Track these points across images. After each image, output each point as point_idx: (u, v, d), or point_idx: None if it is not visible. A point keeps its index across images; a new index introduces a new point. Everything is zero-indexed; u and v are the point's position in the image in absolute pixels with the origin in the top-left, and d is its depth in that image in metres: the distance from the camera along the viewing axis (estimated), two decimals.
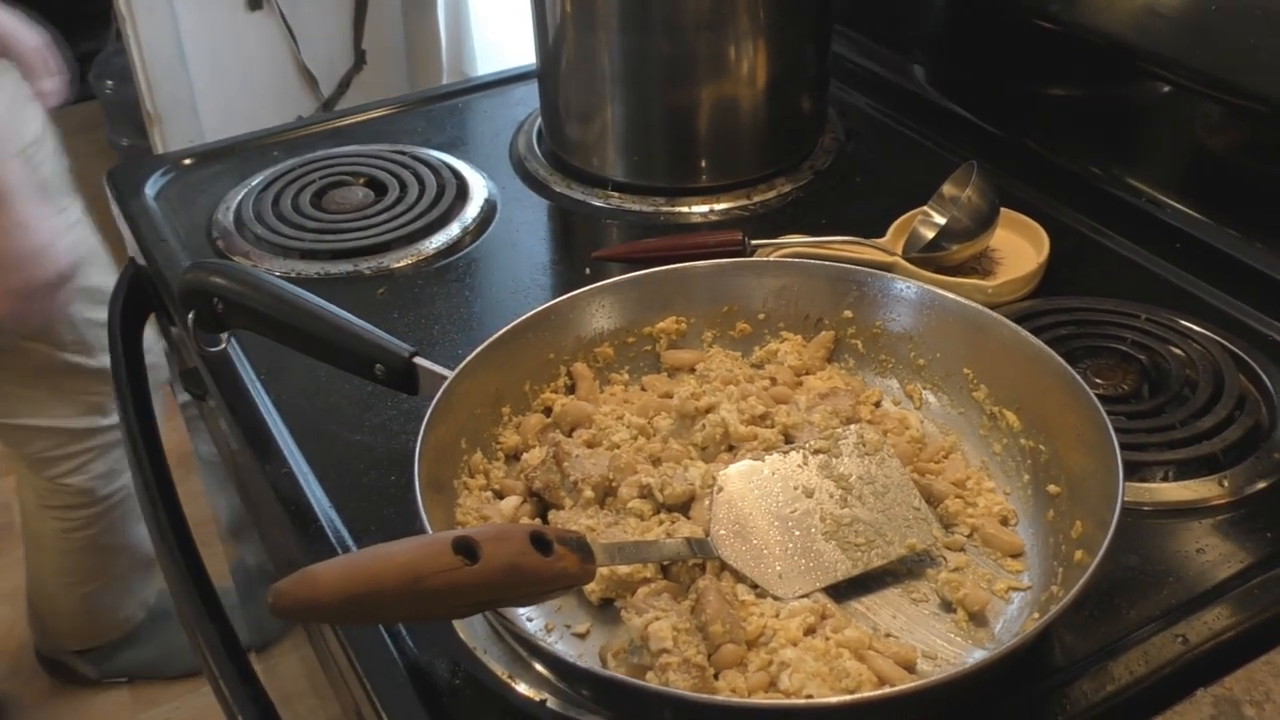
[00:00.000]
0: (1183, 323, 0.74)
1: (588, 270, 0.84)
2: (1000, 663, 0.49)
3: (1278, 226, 0.79)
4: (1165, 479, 0.64)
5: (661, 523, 0.59)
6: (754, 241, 0.80)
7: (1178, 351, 0.71)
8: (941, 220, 0.81)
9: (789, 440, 0.63)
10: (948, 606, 0.56)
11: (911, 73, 1.05)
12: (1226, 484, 0.63)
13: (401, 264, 0.86)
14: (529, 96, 1.03)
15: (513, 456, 0.65)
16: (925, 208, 0.83)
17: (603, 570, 0.54)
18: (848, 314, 0.69)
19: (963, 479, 0.62)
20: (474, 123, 1.06)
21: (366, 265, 0.85)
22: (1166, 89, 0.83)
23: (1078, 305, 0.76)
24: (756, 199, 0.92)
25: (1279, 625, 0.55)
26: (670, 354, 0.69)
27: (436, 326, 0.80)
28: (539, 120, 1.01)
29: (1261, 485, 0.63)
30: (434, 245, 0.87)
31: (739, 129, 0.92)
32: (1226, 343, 0.72)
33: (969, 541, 0.59)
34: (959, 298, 0.66)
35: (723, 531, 0.57)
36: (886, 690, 0.49)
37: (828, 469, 0.60)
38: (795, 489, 0.59)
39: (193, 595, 0.77)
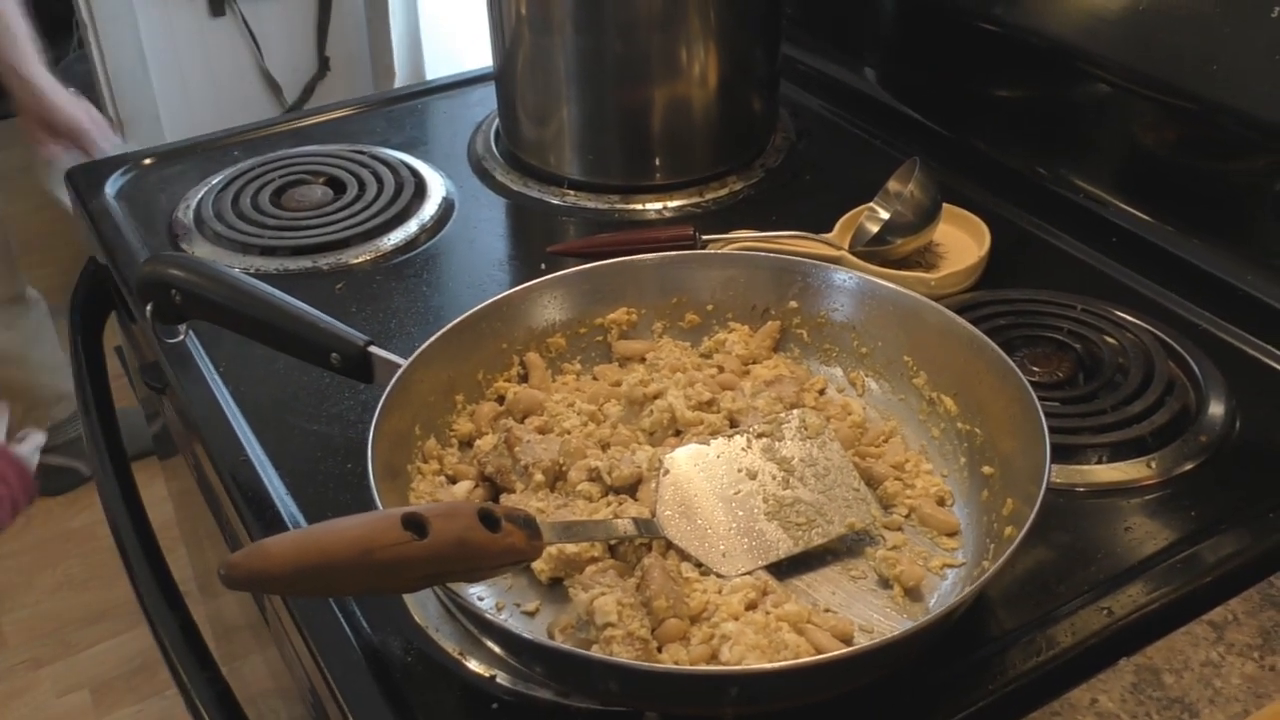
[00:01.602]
0: (1116, 313, 0.76)
1: (543, 265, 0.85)
2: (929, 630, 0.51)
3: (1209, 221, 0.82)
4: (1099, 461, 0.66)
5: (610, 504, 0.60)
6: (705, 237, 0.82)
7: (1111, 340, 0.74)
8: (886, 215, 0.83)
9: (734, 425, 0.65)
10: (885, 583, 0.58)
11: (862, 74, 1.08)
12: (1154, 465, 0.65)
13: (360, 260, 0.87)
14: (487, 98, 1.04)
15: (466, 443, 0.66)
16: (871, 203, 0.85)
17: (551, 550, 0.56)
18: (793, 304, 0.71)
19: (902, 462, 0.64)
20: (433, 124, 1.07)
21: (325, 261, 0.87)
22: (1105, 89, 0.86)
23: (1017, 296, 0.78)
24: (709, 196, 0.94)
25: (1198, 598, 0.57)
26: (621, 344, 0.71)
27: (394, 321, 0.81)
28: (496, 121, 1.03)
29: (1188, 466, 0.66)
30: (392, 242, 0.88)
31: (691, 128, 0.94)
32: (1158, 331, 0.75)
33: (907, 521, 0.61)
34: (898, 287, 0.68)
35: (668, 512, 0.59)
36: (820, 657, 0.51)
37: (770, 452, 0.62)
38: (739, 471, 0.61)
39: (154, 591, 0.78)
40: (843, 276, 0.70)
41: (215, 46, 2.03)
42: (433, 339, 0.65)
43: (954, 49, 0.98)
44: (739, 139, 0.97)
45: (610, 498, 0.61)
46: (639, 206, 0.93)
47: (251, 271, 0.85)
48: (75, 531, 1.87)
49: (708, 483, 0.60)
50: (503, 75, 0.98)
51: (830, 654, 0.51)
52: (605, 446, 0.64)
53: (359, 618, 0.58)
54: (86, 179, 0.98)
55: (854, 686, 0.52)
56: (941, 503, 0.62)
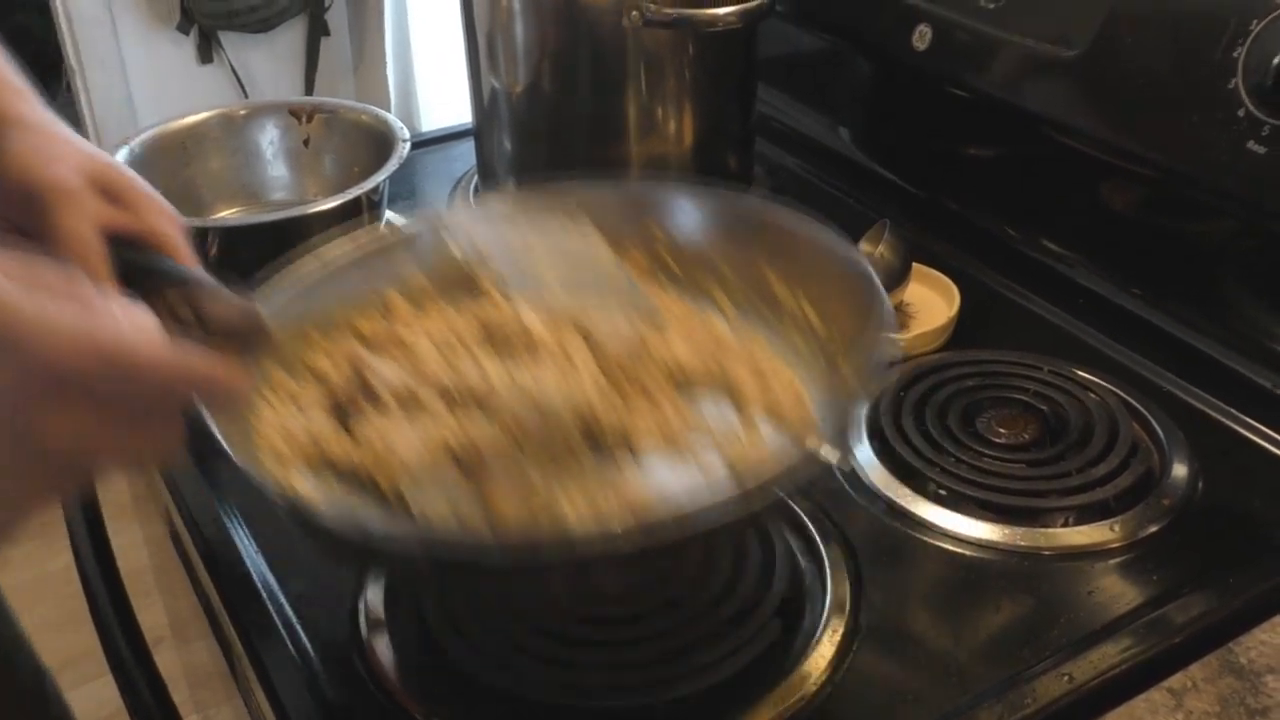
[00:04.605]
0: (1082, 374, 0.77)
1: None
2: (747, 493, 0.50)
3: (1174, 285, 0.83)
4: (1064, 524, 0.67)
5: (459, 418, 0.57)
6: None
7: (1077, 402, 0.75)
8: None
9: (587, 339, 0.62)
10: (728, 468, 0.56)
11: (837, 133, 1.10)
12: (1118, 529, 0.66)
13: None
14: (467, 153, 1.06)
15: (319, 379, 0.63)
16: None
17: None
18: (655, 234, 0.69)
19: (761, 367, 0.62)
20: (415, 178, 1.08)
21: None
22: (1072, 154, 0.87)
23: (985, 357, 0.80)
24: None
25: (1159, 663, 0.58)
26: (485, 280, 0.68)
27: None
28: (476, 176, 1.04)
29: (1151, 530, 0.66)
30: None
31: None
32: (1123, 394, 0.76)
33: (765, 421, 0.59)
34: (755, 199, 0.68)
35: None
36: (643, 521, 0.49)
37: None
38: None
39: (120, 643, 0.78)
40: (695, 197, 0.69)
41: (203, 92, 2.04)
42: (293, 283, 0.63)
43: (926, 111, 1.00)
44: None
45: (460, 411, 0.58)
46: None
47: None
48: (52, 575, 1.85)
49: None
50: (481, 132, 0.99)
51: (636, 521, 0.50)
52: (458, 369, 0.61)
53: (321, 678, 0.59)
54: None
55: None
56: (799, 402, 0.60)
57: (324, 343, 0.63)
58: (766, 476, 0.52)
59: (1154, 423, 0.74)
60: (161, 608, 1.31)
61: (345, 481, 0.55)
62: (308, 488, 0.53)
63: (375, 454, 0.54)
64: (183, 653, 1.27)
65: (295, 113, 0.98)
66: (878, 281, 0.59)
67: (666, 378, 0.59)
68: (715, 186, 0.72)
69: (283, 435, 0.56)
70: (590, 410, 0.56)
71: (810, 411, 0.59)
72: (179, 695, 0.81)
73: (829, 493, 0.70)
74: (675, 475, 0.55)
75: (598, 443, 0.56)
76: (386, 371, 0.59)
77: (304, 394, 0.60)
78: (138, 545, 1.26)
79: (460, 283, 0.67)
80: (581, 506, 0.52)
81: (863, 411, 0.75)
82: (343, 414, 0.59)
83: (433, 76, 1.78)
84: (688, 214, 0.68)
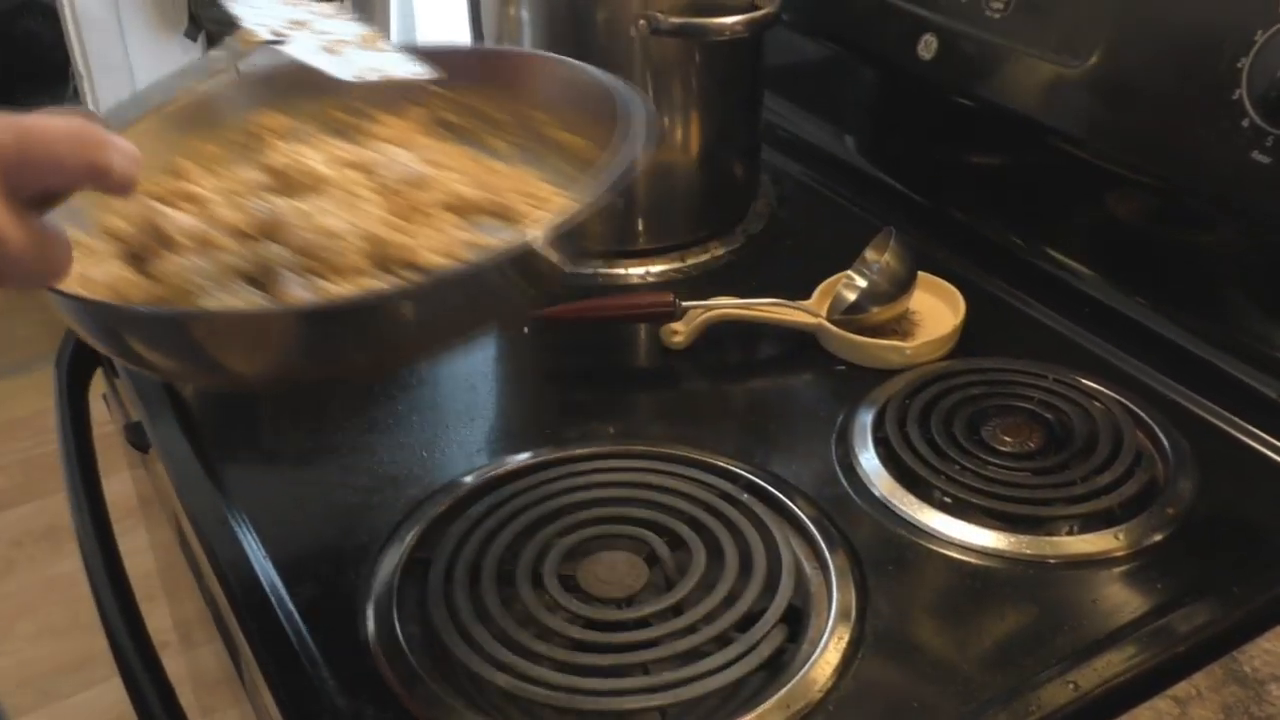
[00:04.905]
0: (1087, 383, 0.78)
1: (525, 330, 0.87)
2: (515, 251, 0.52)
3: (1178, 294, 0.84)
4: (1069, 533, 0.67)
5: (251, 249, 0.59)
6: (684, 303, 0.84)
7: (1081, 410, 0.75)
8: (862, 283, 0.85)
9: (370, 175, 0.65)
10: None
11: (842, 141, 1.10)
12: (1122, 537, 0.66)
13: None
14: None
15: (114, 238, 0.63)
16: (848, 271, 0.87)
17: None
18: (433, 89, 0.70)
19: (535, 193, 0.63)
20: None
21: None
22: (1077, 163, 0.87)
23: (990, 366, 0.80)
24: (691, 261, 0.95)
25: (1164, 672, 0.58)
26: (276, 144, 0.69)
27: (375, 383, 0.83)
28: None
29: (1156, 538, 0.67)
30: None
31: (673, 194, 0.96)
32: (1127, 402, 0.76)
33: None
34: (511, 48, 0.72)
35: None
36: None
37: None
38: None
39: (129, 647, 0.79)
40: (463, 52, 0.72)
41: None
42: None
43: (931, 120, 1.00)
44: (721, 205, 0.99)
45: (252, 243, 0.60)
46: (621, 271, 0.94)
47: None
48: (58, 578, 1.86)
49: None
50: None
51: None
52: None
53: (329, 684, 0.59)
54: None
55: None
56: None
57: (116, 204, 0.63)
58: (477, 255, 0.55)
59: (1158, 431, 0.74)
60: (166, 612, 1.31)
61: None
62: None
63: (172, 287, 0.57)
64: (188, 657, 1.27)
65: None
66: (631, 96, 0.62)
67: (446, 207, 0.62)
68: (478, 45, 0.73)
69: (81, 283, 0.57)
70: (375, 235, 0.58)
71: None
72: (184, 699, 0.82)
73: (834, 500, 0.70)
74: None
75: (384, 264, 0.58)
76: (179, 218, 0.60)
77: (100, 250, 0.61)
78: (143, 550, 1.26)
79: (248, 143, 0.69)
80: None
81: (867, 418, 0.75)
82: (139, 262, 0.60)
83: None
84: (458, 72, 0.70)
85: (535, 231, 0.53)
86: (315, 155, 0.64)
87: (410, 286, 0.53)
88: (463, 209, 0.62)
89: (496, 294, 0.55)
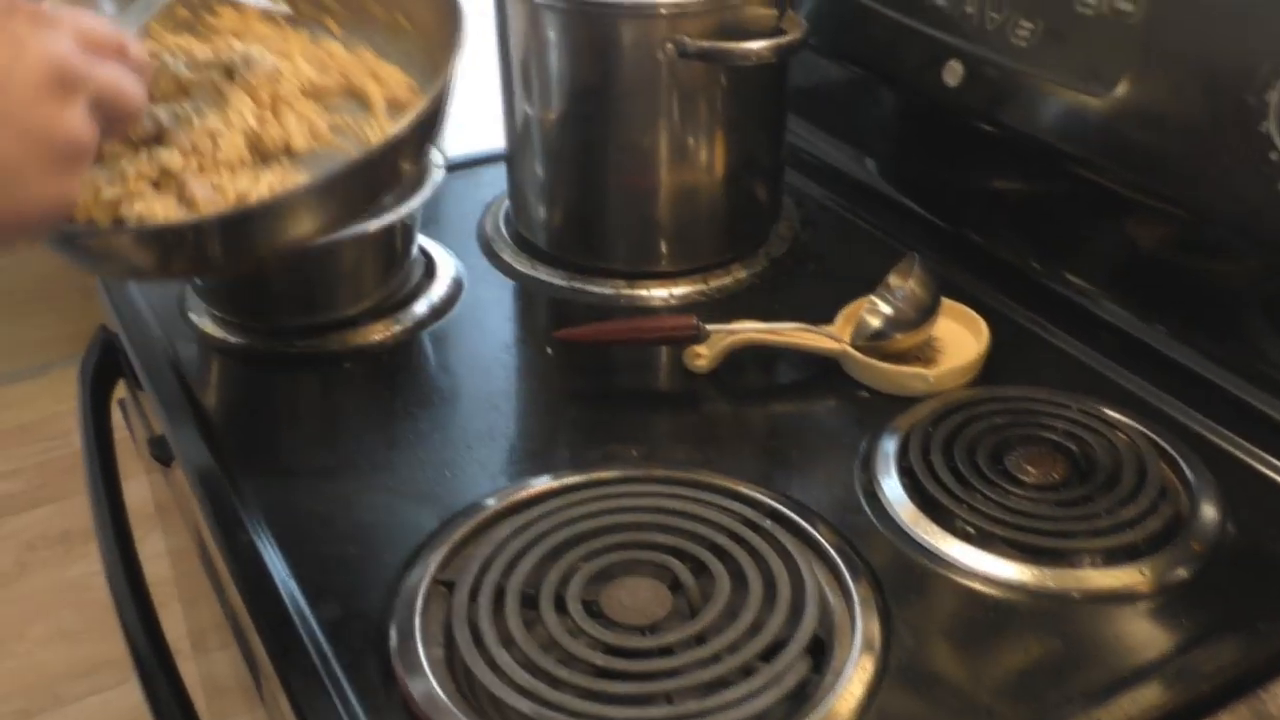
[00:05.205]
0: (1110, 413, 0.78)
1: (549, 350, 0.87)
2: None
3: (1201, 323, 0.83)
4: (1093, 566, 0.67)
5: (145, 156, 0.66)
6: (708, 326, 0.84)
7: (1105, 441, 0.75)
8: (886, 309, 0.85)
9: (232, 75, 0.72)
10: None
11: (864, 164, 1.10)
12: (1147, 572, 0.66)
13: (370, 339, 0.88)
14: (498, 178, 1.07)
15: None
16: (871, 296, 0.86)
17: None
18: None
19: (375, 72, 0.74)
20: (444, 203, 1.09)
21: (335, 340, 0.88)
22: (1098, 190, 0.87)
23: (1014, 394, 0.80)
24: (714, 284, 0.95)
25: (1188, 711, 0.58)
26: None
27: (398, 401, 0.83)
28: (507, 202, 1.05)
29: (1180, 574, 0.66)
30: (401, 323, 0.90)
31: (697, 216, 0.96)
32: (1150, 433, 0.76)
33: (388, 112, 0.72)
34: None
35: None
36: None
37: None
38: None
39: (147, 650, 0.79)
40: None
41: None
42: None
43: (953, 144, 1.00)
44: (744, 227, 0.99)
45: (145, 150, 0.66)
46: (644, 292, 0.94)
47: (258, 349, 0.87)
48: (71, 581, 1.87)
49: None
50: (513, 158, 1.00)
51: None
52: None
53: (352, 704, 0.59)
54: None
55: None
56: (411, 90, 0.73)
57: None
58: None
59: (1182, 464, 0.74)
60: (180, 617, 1.32)
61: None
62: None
63: (84, 202, 0.62)
64: (202, 663, 1.28)
65: None
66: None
67: (303, 93, 0.71)
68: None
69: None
70: (251, 129, 0.67)
71: (421, 93, 0.73)
72: (196, 704, 0.82)
73: (857, 527, 0.70)
74: (327, 163, 0.67)
75: (263, 154, 0.67)
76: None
77: None
78: (159, 555, 1.27)
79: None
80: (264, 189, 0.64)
81: (890, 445, 0.75)
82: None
83: (459, 93, 1.79)
84: None
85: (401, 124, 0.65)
86: (176, 61, 0.71)
87: (326, 178, 0.63)
88: (317, 93, 0.72)
89: (378, 182, 0.68)
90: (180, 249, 0.63)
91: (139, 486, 1.19)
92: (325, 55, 0.74)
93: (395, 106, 0.72)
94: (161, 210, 0.62)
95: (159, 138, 0.66)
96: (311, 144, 0.69)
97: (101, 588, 0.91)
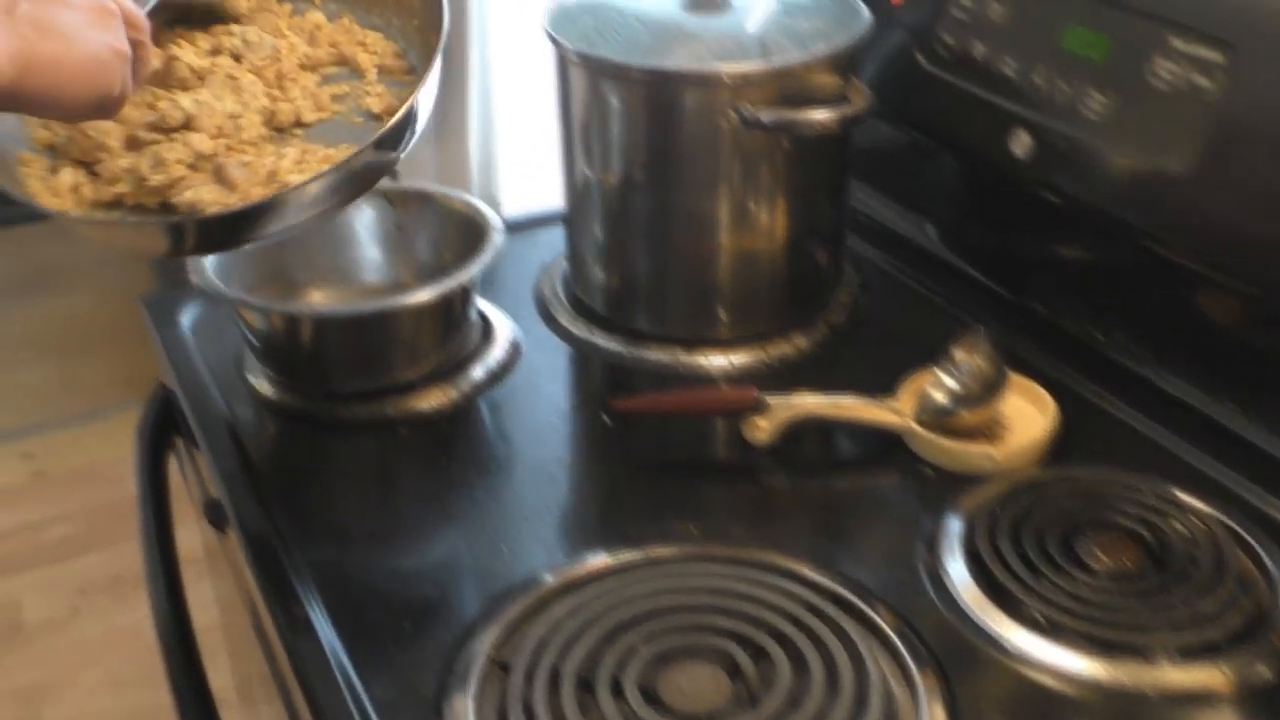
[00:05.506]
0: (1183, 497, 0.75)
1: (606, 419, 0.86)
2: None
3: (1275, 402, 0.81)
4: (1170, 662, 0.65)
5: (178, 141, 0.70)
6: (768, 398, 0.82)
7: (1179, 527, 0.72)
8: (951, 384, 0.83)
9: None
10: (371, 116, 0.75)
11: (925, 230, 1.09)
12: (1228, 671, 0.64)
13: (427, 406, 0.88)
14: (554, 239, 1.06)
15: (47, 147, 0.72)
16: (935, 370, 0.85)
17: None
18: None
19: (361, 40, 0.79)
20: (501, 263, 1.09)
21: (391, 406, 0.88)
22: (1167, 263, 0.85)
23: (1083, 476, 0.77)
24: (773, 352, 0.94)
25: None
26: None
27: (455, 467, 0.82)
28: (564, 264, 1.04)
29: (1262, 672, 0.64)
30: (460, 389, 0.89)
31: (757, 283, 0.95)
32: (1227, 519, 0.73)
33: (380, 75, 0.78)
34: None
35: None
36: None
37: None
38: None
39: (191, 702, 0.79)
40: None
41: None
42: None
43: (1017, 213, 0.99)
44: (805, 294, 0.98)
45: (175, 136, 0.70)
46: (702, 360, 0.93)
47: (310, 410, 0.87)
48: (122, 630, 1.87)
49: None
50: (572, 220, 1.00)
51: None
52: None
53: None
54: (162, 309, 1.00)
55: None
56: (398, 55, 0.78)
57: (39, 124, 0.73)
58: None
59: (1261, 552, 0.71)
60: (226, 667, 1.31)
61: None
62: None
63: (129, 187, 0.67)
64: (248, 715, 1.27)
65: (389, 197, 0.99)
66: None
67: (301, 68, 0.76)
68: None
69: (49, 189, 0.68)
70: (265, 106, 0.73)
71: (407, 59, 0.79)
72: None
73: (920, 613, 0.68)
74: (335, 133, 0.73)
75: (279, 128, 0.73)
76: (100, 124, 0.69)
77: (44, 161, 0.71)
78: (209, 603, 1.27)
79: None
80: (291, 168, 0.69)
81: (955, 526, 0.73)
82: (87, 166, 0.70)
83: (516, 152, 1.80)
84: None
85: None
86: (185, 52, 0.75)
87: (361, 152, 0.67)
88: (313, 66, 0.77)
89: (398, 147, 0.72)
90: (227, 230, 0.68)
91: (190, 533, 1.19)
92: (312, 27, 0.79)
93: (385, 73, 0.77)
94: (209, 196, 0.67)
95: (188, 124, 0.70)
96: (319, 115, 0.74)
97: (152, 634, 0.91)
